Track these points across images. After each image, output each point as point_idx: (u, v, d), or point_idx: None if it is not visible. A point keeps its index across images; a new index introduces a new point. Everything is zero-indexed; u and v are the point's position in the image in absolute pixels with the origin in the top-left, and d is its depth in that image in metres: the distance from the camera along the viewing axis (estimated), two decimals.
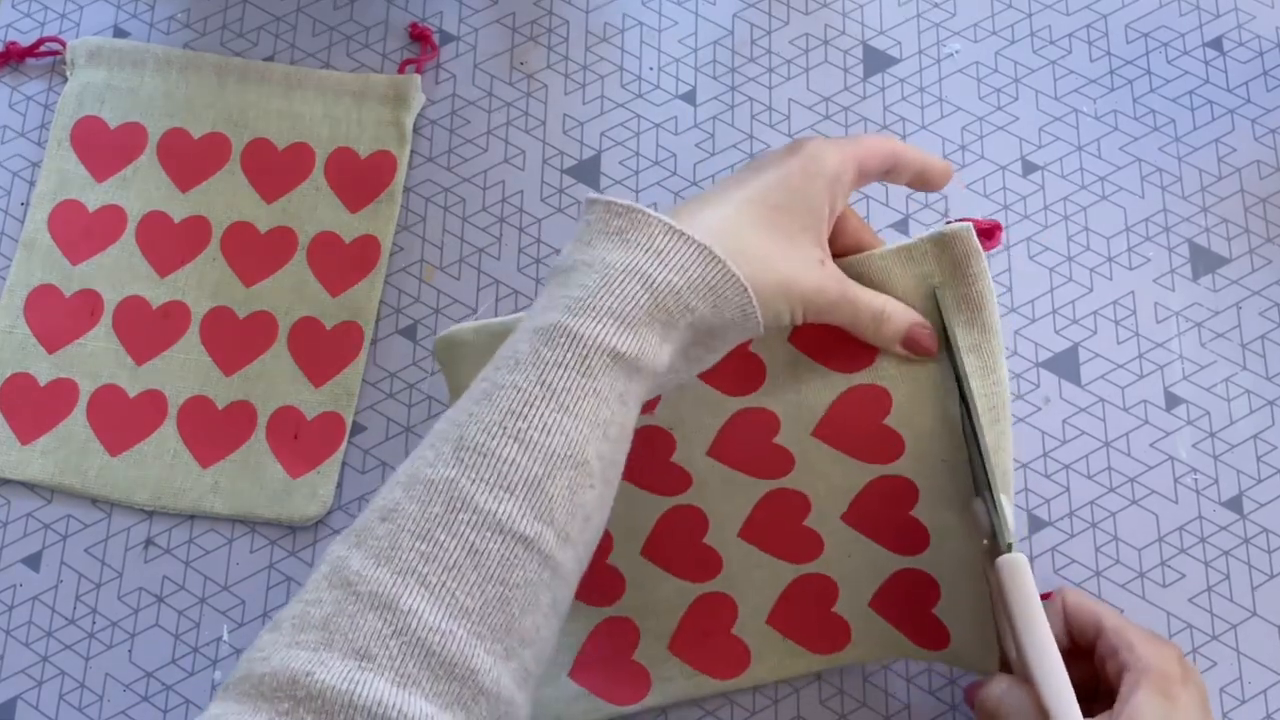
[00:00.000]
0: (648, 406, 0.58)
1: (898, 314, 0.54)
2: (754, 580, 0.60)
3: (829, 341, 0.56)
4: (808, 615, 0.60)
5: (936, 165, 0.55)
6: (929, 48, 0.72)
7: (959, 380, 0.54)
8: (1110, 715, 0.49)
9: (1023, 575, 0.50)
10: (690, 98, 0.72)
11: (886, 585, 0.60)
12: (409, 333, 0.68)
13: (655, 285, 0.46)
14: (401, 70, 0.72)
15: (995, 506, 0.52)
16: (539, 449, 0.44)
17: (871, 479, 0.58)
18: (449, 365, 0.57)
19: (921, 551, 0.59)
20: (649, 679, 0.60)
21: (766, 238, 0.49)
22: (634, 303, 0.46)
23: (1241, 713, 0.60)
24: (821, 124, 0.71)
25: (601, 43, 0.73)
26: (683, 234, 0.47)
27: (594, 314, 0.46)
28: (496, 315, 0.68)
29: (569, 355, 0.45)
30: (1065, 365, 0.66)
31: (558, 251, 0.69)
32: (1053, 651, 0.49)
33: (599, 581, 0.60)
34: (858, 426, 0.56)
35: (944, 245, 0.55)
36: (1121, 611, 0.61)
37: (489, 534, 0.42)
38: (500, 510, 0.43)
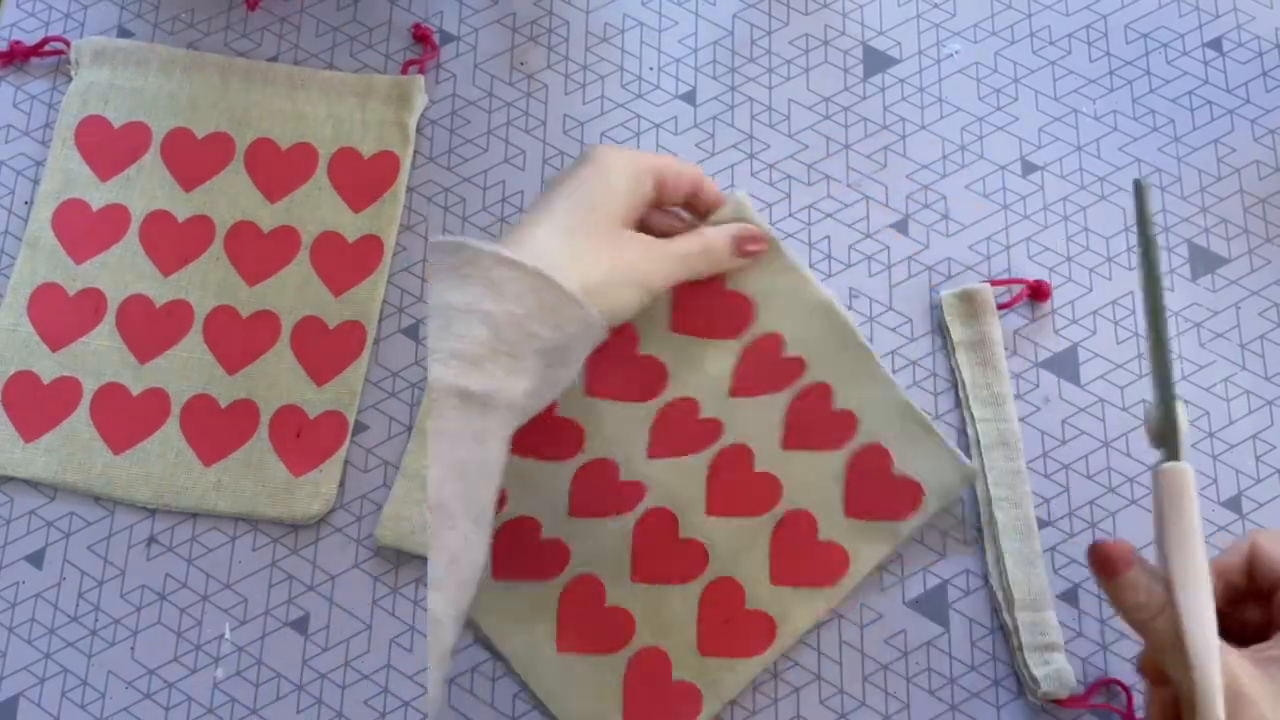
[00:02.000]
0: (576, 446, 0.60)
1: (718, 236, 0.58)
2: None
3: (703, 317, 0.60)
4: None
5: (709, 186, 0.59)
6: (929, 48, 0.73)
7: (1152, 278, 0.50)
8: (1264, 645, 0.48)
9: (1182, 488, 0.48)
10: (690, 98, 0.72)
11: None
12: (411, 332, 0.68)
13: (494, 319, 0.48)
14: (404, 71, 0.73)
15: (1167, 411, 0.49)
16: None
17: (791, 401, 0.61)
18: None
19: (853, 436, 0.61)
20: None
21: (591, 239, 0.52)
22: (474, 340, 0.47)
23: None
24: (822, 124, 0.71)
25: (601, 43, 0.74)
26: (514, 262, 0.49)
27: (437, 356, 0.47)
28: None
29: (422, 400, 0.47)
30: (1065, 365, 0.66)
31: None
32: (1203, 577, 0.47)
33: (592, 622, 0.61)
34: (762, 367, 0.61)
35: (966, 298, 0.65)
36: None
37: None
38: None
